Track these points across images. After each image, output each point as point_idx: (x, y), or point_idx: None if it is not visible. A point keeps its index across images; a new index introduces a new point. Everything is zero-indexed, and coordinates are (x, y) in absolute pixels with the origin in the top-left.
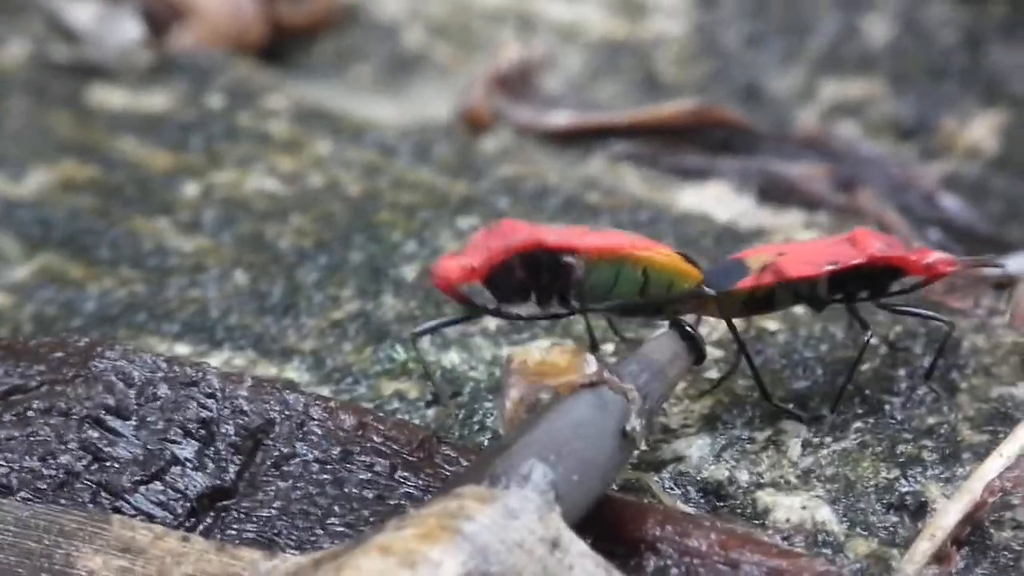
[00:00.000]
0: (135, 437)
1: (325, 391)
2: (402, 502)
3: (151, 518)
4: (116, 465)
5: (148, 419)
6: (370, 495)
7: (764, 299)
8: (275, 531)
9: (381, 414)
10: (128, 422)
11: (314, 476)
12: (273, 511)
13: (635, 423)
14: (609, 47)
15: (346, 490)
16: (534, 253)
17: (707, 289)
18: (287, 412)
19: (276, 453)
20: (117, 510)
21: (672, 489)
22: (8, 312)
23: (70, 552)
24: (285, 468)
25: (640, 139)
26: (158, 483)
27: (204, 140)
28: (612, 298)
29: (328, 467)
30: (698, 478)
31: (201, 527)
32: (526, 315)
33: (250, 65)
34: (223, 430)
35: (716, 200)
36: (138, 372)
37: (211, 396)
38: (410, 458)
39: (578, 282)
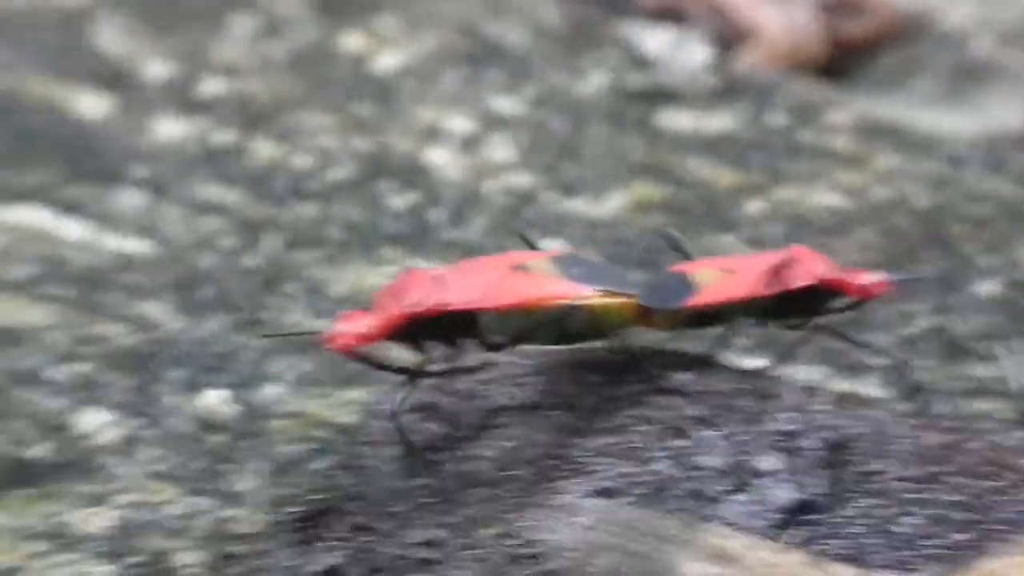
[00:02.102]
0: (720, 448)
1: (902, 408)
2: (997, 527)
3: (740, 528)
4: (704, 474)
5: (732, 431)
6: (957, 517)
7: (711, 315)
8: (864, 549)
9: (969, 434)
10: (713, 433)
11: (900, 495)
12: (861, 528)
13: None
14: None
15: (935, 511)
16: (436, 316)
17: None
18: (870, 428)
19: (860, 469)
20: (708, 519)
21: None
22: None
23: (669, 556)
24: (869, 485)
25: None
26: (745, 494)
27: (767, 158)
28: (532, 336)
29: (915, 486)
30: None
31: (790, 540)
32: (436, 370)
33: (811, 82)
34: (806, 444)
35: None
36: (719, 385)
37: (792, 409)
38: (1001, 481)
39: (489, 330)
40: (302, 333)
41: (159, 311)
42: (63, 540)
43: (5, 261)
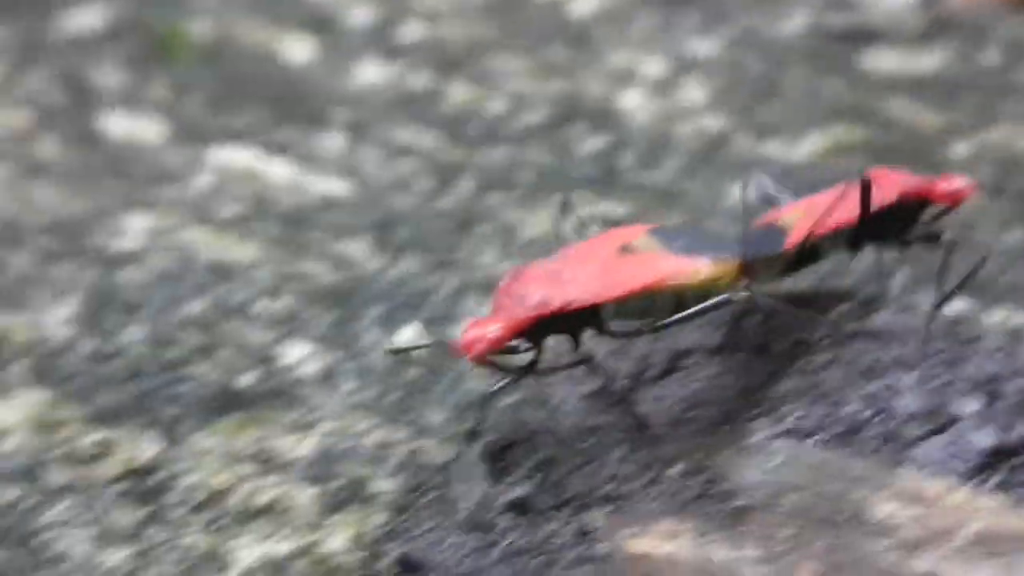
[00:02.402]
0: (917, 391)
1: None
2: None
3: (936, 471)
4: (900, 417)
5: (930, 374)
6: None
7: (810, 254)
8: None
9: None
10: (910, 376)
11: None
12: None
13: None
14: None
15: None
16: (561, 314)
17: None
18: None
19: None
20: (901, 462)
21: None
22: None
23: (862, 497)
24: None
25: None
26: (942, 437)
27: (977, 98)
28: (650, 318)
29: None
30: None
31: (989, 485)
32: (559, 366)
33: None
34: (1007, 388)
35: None
36: (914, 327)
37: (995, 353)
38: None
39: (608, 319)
40: (428, 345)
41: (358, 250)
42: (270, 464)
43: (217, 200)
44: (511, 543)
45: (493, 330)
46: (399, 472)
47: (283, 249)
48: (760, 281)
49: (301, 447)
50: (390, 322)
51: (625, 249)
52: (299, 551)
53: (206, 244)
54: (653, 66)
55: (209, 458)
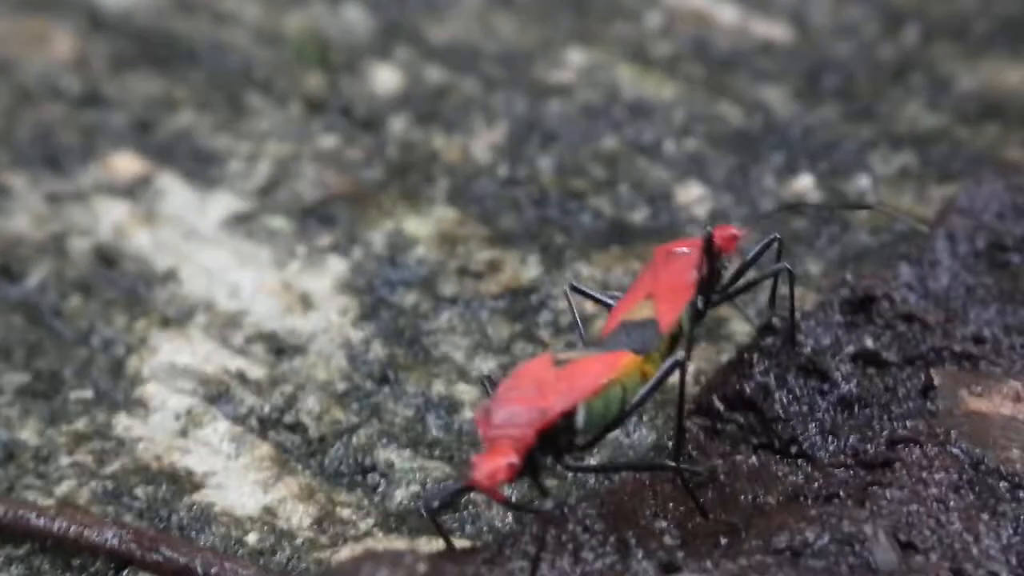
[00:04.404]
0: None
1: None
2: None
3: None
4: None
5: None
6: None
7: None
8: None
9: None
10: None
11: None
12: None
13: None
14: None
15: None
16: (553, 425)
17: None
18: None
19: None
20: None
21: None
22: None
23: None
24: None
25: None
26: None
27: None
28: (609, 420)
29: None
30: None
31: None
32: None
33: None
34: None
35: None
36: None
37: None
38: None
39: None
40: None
41: (777, 96)
42: None
43: (658, 37)
44: (848, 391)
45: (504, 458)
46: (758, 315)
47: (703, 91)
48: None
49: None
50: (788, 171)
51: (558, 362)
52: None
53: (633, 82)
54: None
55: (582, 285)
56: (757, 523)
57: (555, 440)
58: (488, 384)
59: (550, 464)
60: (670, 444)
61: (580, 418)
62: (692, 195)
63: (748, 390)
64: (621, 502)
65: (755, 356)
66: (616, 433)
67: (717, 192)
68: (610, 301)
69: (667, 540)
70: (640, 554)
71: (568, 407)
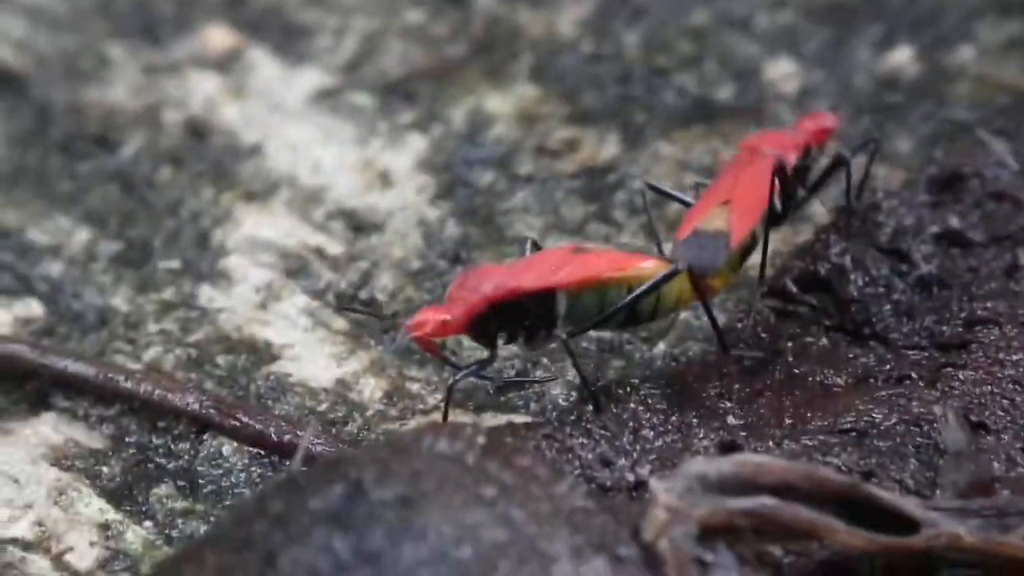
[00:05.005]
0: None
1: None
2: None
3: None
4: None
5: None
6: None
7: (750, 243)
8: None
9: None
10: None
11: None
12: None
13: None
14: None
15: None
16: (512, 300)
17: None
18: None
19: None
20: None
21: None
22: None
23: None
24: None
25: None
26: None
27: None
28: (602, 319)
29: None
30: None
31: None
32: (504, 379)
33: None
34: None
35: None
36: None
37: None
38: None
39: (562, 315)
40: (381, 317)
41: None
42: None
43: None
44: (928, 272)
45: (442, 314)
46: (829, 201)
47: None
48: (714, 287)
49: None
50: (885, 43)
51: (578, 249)
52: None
53: None
54: None
55: (661, 165)
56: (823, 404)
57: (527, 319)
58: (531, 246)
59: (524, 343)
60: (739, 326)
61: (560, 306)
62: (782, 71)
63: (823, 271)
64: (686, 383)
65: (831, 237)
66: (687, 314)
67: (808, 67)
68: (689, 200)
69: (730, 420)
70: (701, 433)
71: (536, 289)
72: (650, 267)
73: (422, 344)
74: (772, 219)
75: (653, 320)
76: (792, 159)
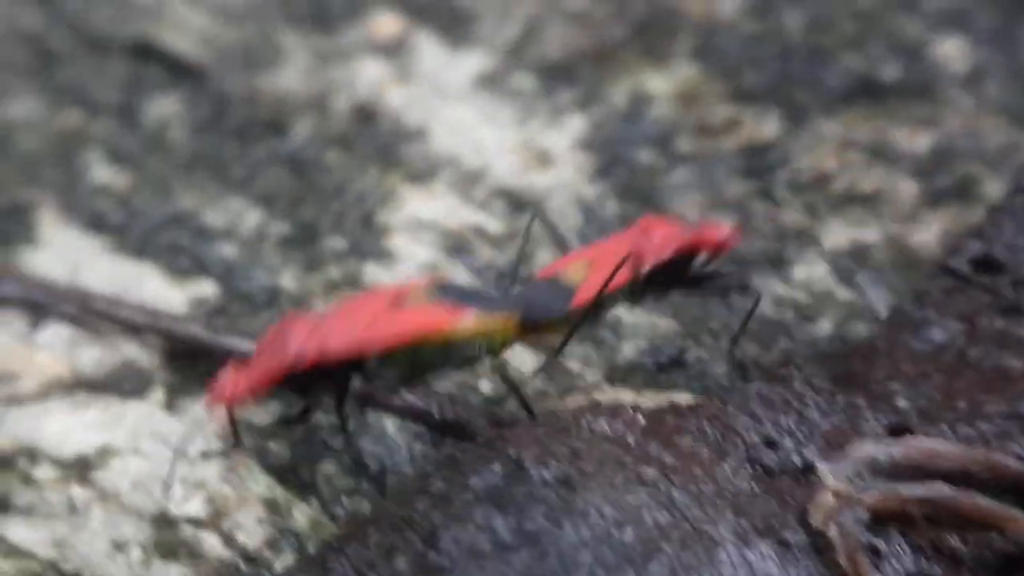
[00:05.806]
0: None
1: None
2: None
3: None
4: None
5: None
6: None
7: (594, 310)
8: None
9: None
10: None
11: None
12: None
13: None
14: None
15: None
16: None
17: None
18: None
19: None
20: None
21: None
22: None
23: None
24: None
25: None
26: None
27: None
28: (421, 370)
29: None
30: None
31: None
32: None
33: None
34: None
35: None
36: None
37: None
38: None
39: (374, 372)
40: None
41: None
42: (881, 155)
43: None
44: None
45: (244, 380)
46: (1013, 175)
47: None
48: (540, 336)
49: (918, 142)
50: None
51: (395, 303)
52: (886, 239)
53: None
54: None
55: (824, 144)
56: (999, 388)
57: (340, 374)
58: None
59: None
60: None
61: (374, 365)
62: (950, 50)
63: (997, 251)
64: (852, 365)
65: (1006, 217)
66: (848, 296)
67: (978, 46)
68: (573, 245)
69: (899, 403)
70: (869, 415)
71: (337, 356)
72: (469, 326)
73: (226, 409)
74: (612, 301)
75: (476, 364)
76: (661, 256)
